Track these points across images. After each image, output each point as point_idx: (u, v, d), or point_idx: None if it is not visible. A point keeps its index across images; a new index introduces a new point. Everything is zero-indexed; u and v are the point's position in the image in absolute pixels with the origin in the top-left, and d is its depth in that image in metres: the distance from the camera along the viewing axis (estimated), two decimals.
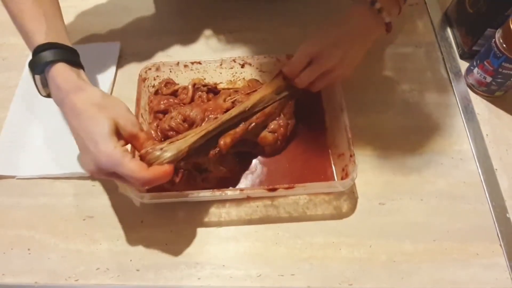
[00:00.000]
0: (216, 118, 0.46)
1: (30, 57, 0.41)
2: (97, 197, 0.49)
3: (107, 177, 0.38)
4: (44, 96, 0.44)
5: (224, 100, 0.50)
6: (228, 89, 0.55)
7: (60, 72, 0.40)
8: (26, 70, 0.59)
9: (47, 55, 0.40)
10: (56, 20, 0.44)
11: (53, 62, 0.40)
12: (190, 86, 0.52)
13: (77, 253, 0.46)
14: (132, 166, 0.36)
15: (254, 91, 0.50)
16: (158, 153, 0.40)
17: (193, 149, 0.43)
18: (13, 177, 0.51)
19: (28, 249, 0.46)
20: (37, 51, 0.40)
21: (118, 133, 0.38)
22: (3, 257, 0.46)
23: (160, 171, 0.39)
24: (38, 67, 0.40)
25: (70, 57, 0.41)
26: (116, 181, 0.40)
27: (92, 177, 0.50)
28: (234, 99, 0.50)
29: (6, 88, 0.58)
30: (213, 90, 0.53)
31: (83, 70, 0.43)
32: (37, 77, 0.41)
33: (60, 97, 0.39)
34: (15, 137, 0.53)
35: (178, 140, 0.43)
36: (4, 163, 0.51)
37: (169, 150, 0.41)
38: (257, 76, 0.55)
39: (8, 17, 0.65)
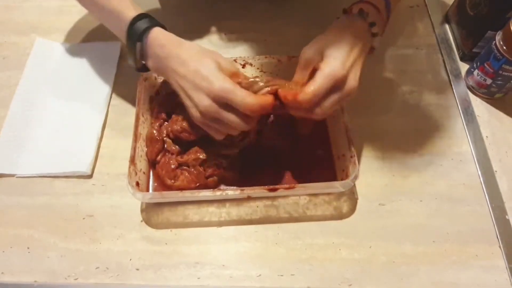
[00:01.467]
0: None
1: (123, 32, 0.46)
2: (97, 197, 0.49)
3: (216, 116, 0.41)
4: (137, 69, 0.48)
5: None
6: None
7: (160, 33, 0.45)
8: (27, 68, 0.59)
9: (143, 23, 0.45)
10: None
11: (150, 27, 0.45)
12: None
13: (77, 252, 0.46)
14: (244, 92, 0.40)
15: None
16: (261, 83, 0.43)
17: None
18: (13, 175, 0.51)
19: (28, 248, 0.46)
20: (132, 23, 0.45)
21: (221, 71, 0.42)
22: (2, 256, 0.46)
23: (265, 99, 0.42)
24: (138, 35, 0.45)
25: (159, 23, 0.46)
26: (217, 125, 0.42)
27: (90, 176, 0.51)
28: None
29: (7, 87, 0.57)
30: None
31: None
32: (138, 45, 0.45)
33: (165, 53, 0.44)
34: (15, 135, 0.53)
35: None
36: (4, 161, 0.51)
37: (268, 83, 0.43)
38: None
39: (8, 16, 0.65)
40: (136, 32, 0.44)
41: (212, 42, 0.63)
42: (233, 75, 0.43)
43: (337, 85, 0.41)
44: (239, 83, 0.42)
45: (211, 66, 0.42)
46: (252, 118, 0.42)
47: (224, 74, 0.42)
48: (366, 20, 0.45)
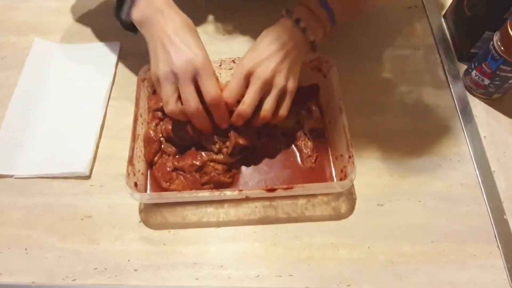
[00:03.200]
0: None
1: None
2: (95, 197, 0.49)
3: (181, 80, 0.41)
4: (122, 21, 0.48)
5: None
6: None
7: None
8: (26, 69, 0.59)
9: None
10: None
11: None
12: None
13: (75, 252, 0.46)
14: (216, 82, 0.42)
15: None
16: None
17: None
18: (11, 176, 0.51)
19: (26, 249, 0.46)
20: None
21: None
22: (0, 256, 0.46)
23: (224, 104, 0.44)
24: None
25: None
26: (170, 90, 0.42)
27: (89, 177, 0.51)
28: None
29: (5, 87, 0.57)
30: None
31: None
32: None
33: (161, 8, 0.44)
34: (14, 136, 0.53)
35: None
36: (2, 162, 0.51)
37: None
38: None
39: (7, 17, 0.65)
40: None
41: (211, 42, 0.63)
42: None
43: (251, 79, 0.44)
44: None
45: (201, 43, 0.43)
46: (199, 110, 0.42)
47: None
48: (291, 17, 0.46)
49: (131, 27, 0.48)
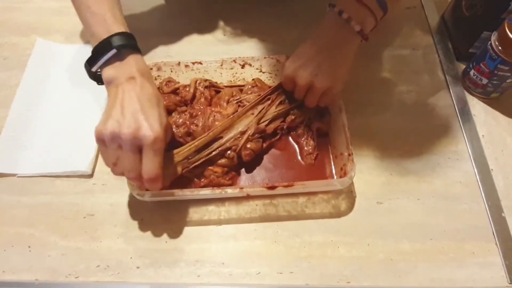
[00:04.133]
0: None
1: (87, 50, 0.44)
2: (98, 196, 0.50)
3: (127, 145, 0.40)
4: (90, 71, 0.46)
5: (227, 102, 0.51)
6: (230, 86, 0.55)
7: (140, 58, 0.44)
8: (28, 69, 0.59)
9: (132, 40, 0.44)
10: (120, 12, 0.47)
11: (135, 49, 0.44)
12: (192, 83, 0.53)
13: (77, 250, 0.46)
14: (159, 161, 0.41)
15: (258, 95, 0.51)
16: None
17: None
18: (14, 175, 0.51)
19: (29, 247, 0.47)
20: (120, 34, 0.43)
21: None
22: (3, 254, 0.46)
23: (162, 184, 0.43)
24: (120, 45, 0.43)
25: (138, 49, 0.45)
26: (112, 151, 0.41)
27: (91, 176, 0.51)
28: (238, 100, 0.51)
29: (8, 87, 0.58)
30: (215, 87, 0.54)
31: None
32: (113, 51, 0.43)
33: (134, 75, 0.42)
34: (16, 135, 0.53)
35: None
36: (5, 161, 0.51)
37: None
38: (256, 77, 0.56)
39: (9, 17, 0.66)
40: (118, 42, 0.42)
41: (212, 42, 0.63)
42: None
43: (292, 80, 0.48)
44: None
45: (163, 119, 0.42)
46: (138, 180, 0.41)
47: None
48: (341, 16, 0.45)
49: (98, 79, 0.46)
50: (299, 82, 0.47)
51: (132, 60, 0.43)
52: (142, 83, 0.42)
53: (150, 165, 0.40)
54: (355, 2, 0.45)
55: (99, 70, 0.45)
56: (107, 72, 0.43)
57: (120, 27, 0.44)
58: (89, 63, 0.45)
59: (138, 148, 0.40)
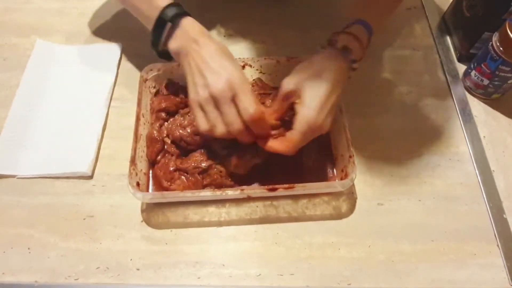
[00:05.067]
0: None
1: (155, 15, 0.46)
2: (98, 197, 0.50)
3: (221, 102, 0.42)
4: (158, 51, 0.49)
5: None
6: None
7: (194, 21, 0.47)
8: (28, 70, 0.59)
9: (181, 9, 0.47)
10: None
11: (188, 14, 0.47)
12: None
13: (77, 252, 0.46)
14: (254, 99, 0.42)
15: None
16: None
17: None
18: (13, 176, 0.51)
19: (28, 248, 0.46)
20: (169, 6, 0.46)
21: None
22: (3, 256, 0.46)
23: (266, 119, 0.45)
24: (171, 16, 0.46)
25: (187, 12, 0.48)
26: (211, 113, 0.43)
27: (91, 177, 0.51)
28: None
29: (7, 87, 0.58)
30: None
31: None
32: (169, 25, 0.46)
33: (194, 36, 0.45)
34: (16, 136, 0.53)
35: None
36: (5, 162, 0.51)
37: None
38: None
39: (9, 18, 0.66)
40: (169, 14, 0.46)
41: None
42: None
43: (311, 131, 0.44)
44: None
45: (237, 64, 0.44)
46: (243, 130, 0.43)
47: None
48: (349, 57, 0.46)
49: (167, 56, 0.49)
50: (317, 128, 0.44)
51: (187, 26, 0.46)
52: (205, 42, 0.45)
53: (246, 105, 0.42)
54: (357, 42, 0.47)
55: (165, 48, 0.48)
56: (172, 46, 0.47)
57: (163, 1, 0.46)
58: (154, 45, 0.48)
59: (231, 99, 0.42)
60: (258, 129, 0.44)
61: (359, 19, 0.49)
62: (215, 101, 0.42)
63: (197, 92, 0.43)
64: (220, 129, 0.43)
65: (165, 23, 0.46)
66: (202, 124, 0.44)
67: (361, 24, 0.48)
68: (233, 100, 0.42)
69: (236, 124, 0.42)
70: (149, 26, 0.47)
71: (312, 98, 0.43)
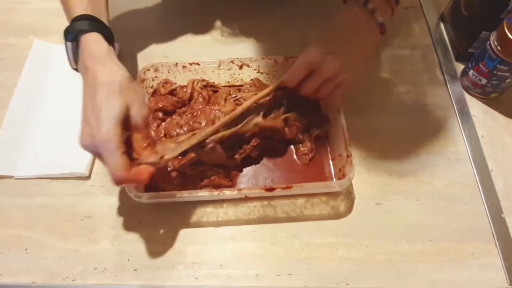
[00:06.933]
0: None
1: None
2: (95, 197, 0.50)
3: (94, 155, 0.39)
4: (74, 69, 0.45)
5: (225, 100, 0.51)
6: (229, 86, 0.55)
7: (93, 40, 0.41)
8: (25, 70, 0.59)
9: (84, 24, 0.42)
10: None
11: (88, 31, 0.42)
12: (189, 83, 0.53)
13: (75, 253, 0.46)
14: (117, 161, 0.37)
15: (255, 94, 0.50)
16: (172, 145, 0.43)
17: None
18: (11, 177, 0.51)
19: (26, 249, 0.46)
20: (74, 20, 0.42)
21: (126, 120, 0.39)
22: (0, 256, 0.46)
23: (138, 174, 0.39)
24: (71, 33, 0.42)
25: (105, 31, 0.43)
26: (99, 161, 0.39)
27: (88, 177, 0.51)
28: (236, 98, 0.50)
29: (5, 88, 0.58)
30: (212, 87, 0.54)
31: (114, 49, 0.44)
32: (69, 45, 0.42)
33: (86, 64, 0.40)
34: (14, 137, 0.53)
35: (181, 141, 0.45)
36: (2, 163, 0.51)
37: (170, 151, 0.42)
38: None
39: (7, 18, 0.66)
40: (71, 30, 0.42)
41: (209, 43, 0.63)
42: (136, 130, 0.40)
43: (314, 69, 0.44)
44: (136, 139, 0.39)
45: (115, 111, 0.38)
46: (128, 178, 0.38)
47: (122, 128, 0.38)
48: (367, 7, 0.44)
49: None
50: (326, 69, 0.44)
51: (84, 47, 0.41)
52: (93, 73, 0.39)
53: (109, 166, 0.38)
54: None
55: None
56: (78, 67, 0.43)
57: (79, 10, 0.43)
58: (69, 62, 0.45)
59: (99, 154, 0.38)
60: (132, 182, 0.40)
61: None
62: (90, 151, 0.39)
63: (82, 135, 0.39)
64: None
65: (65, 43, 0.42)
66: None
67: None
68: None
69: (115, 176, 0.38)
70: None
71: (315, 43, 0.44)
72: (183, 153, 0.49)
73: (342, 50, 0.45)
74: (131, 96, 0.39)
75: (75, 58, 0.43)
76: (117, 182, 0.38)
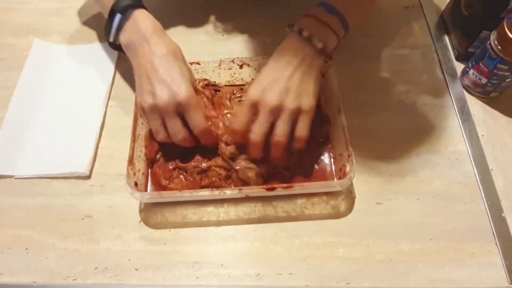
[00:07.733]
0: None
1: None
2: (96, 197, 0.50)
3: (166, 115, 0.43)
4: (110, 43, 0.49)
5: (230, 100, 0.51)
6: (231, 85, 0.55)
7: (146, 15, 0.46)
8: (25, 70, 0.59)
9: (126, 1, 0.46)
10: None
11: (139, 6, 0.46)
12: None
13: (75, 252, 0.46)
14: (201, 114, 0.43)
15: None
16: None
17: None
18: (11, 176, 0.51)
19: (26, 249, 0.46)
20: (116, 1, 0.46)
21: None
22: (1, 256, 0.46)
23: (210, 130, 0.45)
24: (122, 7, 0.45)
25: (142, 5, 0.47)
26: (156, 121, 0.44)
27: (88, 177, 0.51)
28: (240, 98, 0.50)
29: (5, 88, 0.58)
30: (213, 86, 0.54)
31: None
32: (118, 17, 0.45)
33: (145, 35, 0.44)
34: (14, 136, 0.53)
35: None
36: (2, 162, 0.51)
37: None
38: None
39: (6, 18, 0.66)
40: (120, 5, 0.45)
41: (210, 42, 0.63)
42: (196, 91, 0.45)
43: (256, 107, 0.43)
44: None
45: (186, 73, 0.43)
46: (191, 139, 0.44)
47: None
48: (302, 35, 0.44)
49: (120, 47, 0.48)
50: (266, 104, 0.41)
51: (139, 19, 0.45)
52: (156, 43, 0.43)
53: (194, 120, 0.42)
54: (315, 21, 0.45)
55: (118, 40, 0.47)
56: (122, 39, 0.46)
57: None
58: (105, 34, 0.48)
59: (176, 111, 0.42)
60: (206, 140, 0.46)
61: (322, 2, 0.47)
62: (160, 111, 0.42)
63: (142, 97, 0.43)
64: (161, 136, 0.45)
65: (115, 15, 0.45)
66: (151, 124, 0.45)
67: (324, 7, 0.46)
68: (178, 112, 0.42)
69: (179, 135, 0.44)
70: (106, 15, 0.47)
71: (254, 82, 0.44)
72: (184, 152, 0.50)
73: (283, 77, 0.43)
74: (188, 66, 0.46)
75: (118, 32, 0.46)
76: (203, 133, 0.43)
